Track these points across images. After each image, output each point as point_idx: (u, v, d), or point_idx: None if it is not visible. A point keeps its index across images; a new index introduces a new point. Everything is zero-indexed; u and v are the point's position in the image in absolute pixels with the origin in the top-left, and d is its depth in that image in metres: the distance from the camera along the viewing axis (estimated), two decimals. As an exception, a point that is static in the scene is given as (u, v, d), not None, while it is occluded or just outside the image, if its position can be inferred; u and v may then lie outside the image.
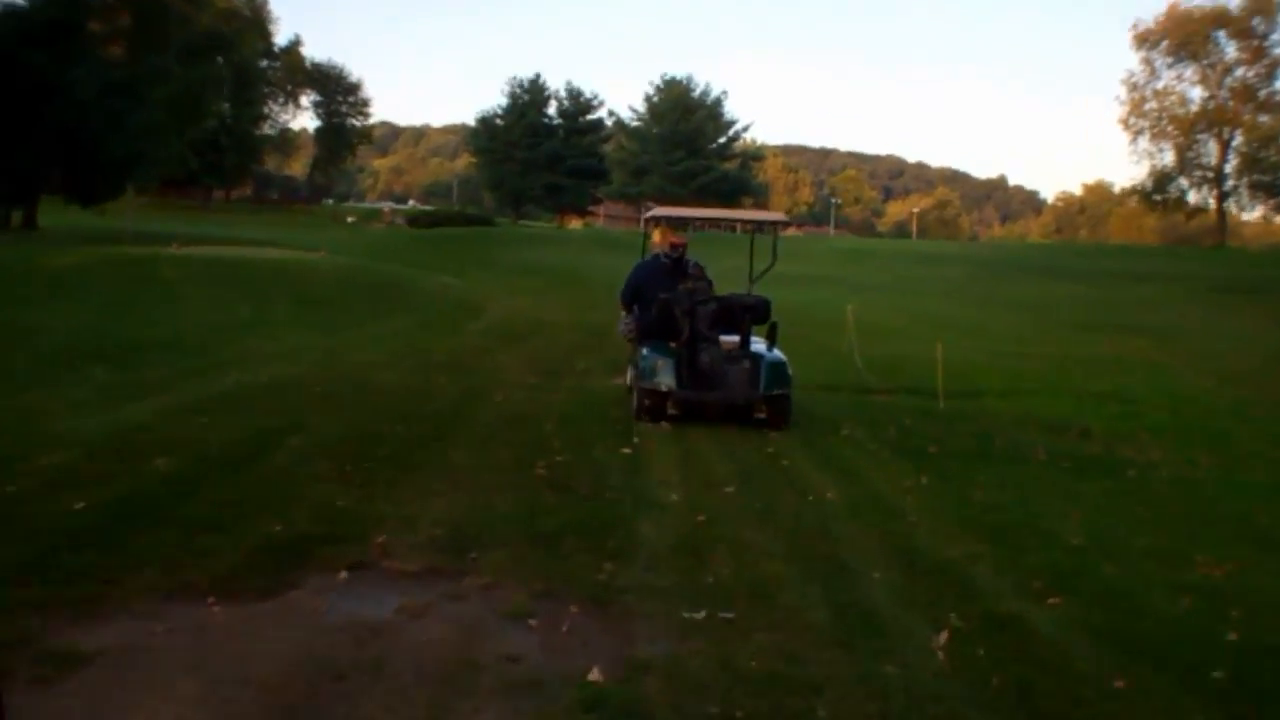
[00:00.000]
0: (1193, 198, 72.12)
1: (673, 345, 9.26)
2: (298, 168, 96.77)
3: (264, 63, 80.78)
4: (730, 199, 79.01)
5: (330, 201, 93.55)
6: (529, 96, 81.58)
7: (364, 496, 5.74)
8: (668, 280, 9.74)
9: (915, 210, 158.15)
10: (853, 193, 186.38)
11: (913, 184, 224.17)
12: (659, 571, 4.75)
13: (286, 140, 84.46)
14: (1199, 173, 70.12)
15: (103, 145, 32.81)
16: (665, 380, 9.04)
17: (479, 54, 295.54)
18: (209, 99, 40.27)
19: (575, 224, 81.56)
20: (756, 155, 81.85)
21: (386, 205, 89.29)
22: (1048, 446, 9.07)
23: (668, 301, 9.40)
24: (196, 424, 7.43)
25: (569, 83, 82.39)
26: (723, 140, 77.63)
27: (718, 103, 78.04)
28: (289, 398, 9.07)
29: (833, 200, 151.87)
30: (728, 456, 7.93)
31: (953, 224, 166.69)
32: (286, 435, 7.29)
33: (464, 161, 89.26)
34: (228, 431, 7.23)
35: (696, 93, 77.76)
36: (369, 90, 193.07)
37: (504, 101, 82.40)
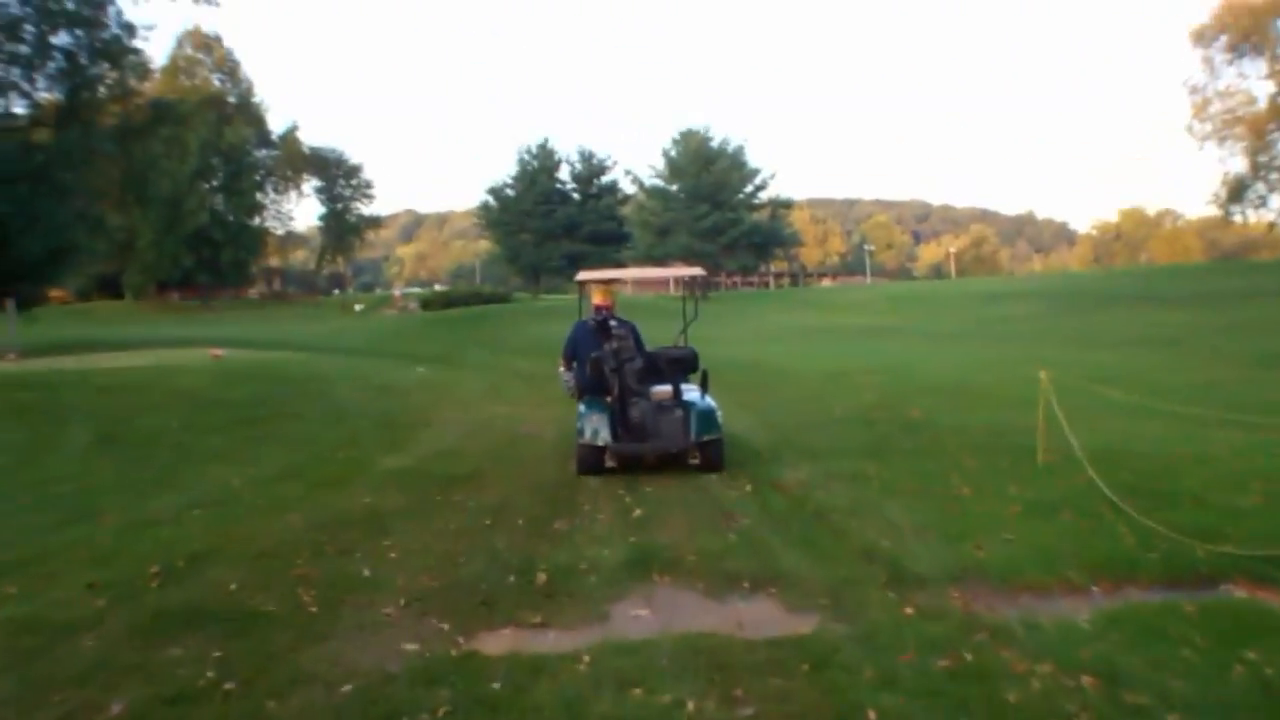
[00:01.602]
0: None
1: (608, 400, 9.50)
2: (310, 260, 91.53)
3: (261, 152, 76.10)
4: (764, 252, 72.41)
5: (337, 292, 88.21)
6: (538, 163, 75.78)
7: None
8: (595, 340, 9.97)
9: (951, 250, 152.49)
10: (884, 239, 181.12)
11: (940, 225, 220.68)
12: None
13: (288, 233, 79.26)
14: (1276, 175, 62.48)
15: (13, 241, 26.79)
16: (601, 435, 9.23)
17: (493, 135, 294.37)
18: (152, 182, 34.18)
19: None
20: (785, 204, 74.85)
21: (398, 291, 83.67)
22: None
23: (597, 360, 9.67)
24: None
25: (580, 146, 76.65)
26: (749, 190, 70.96)
27: (739, 152, 71.69)
28: None
29: (866, 247, 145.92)
30: None
31: (990, 261, 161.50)
32: None
33: (486, 241, 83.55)
34: None
35: (715, 143, 71.52)
36: (371, 174, 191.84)
37: (514, 171, 76.73)
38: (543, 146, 76.47)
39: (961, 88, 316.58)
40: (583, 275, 11.43)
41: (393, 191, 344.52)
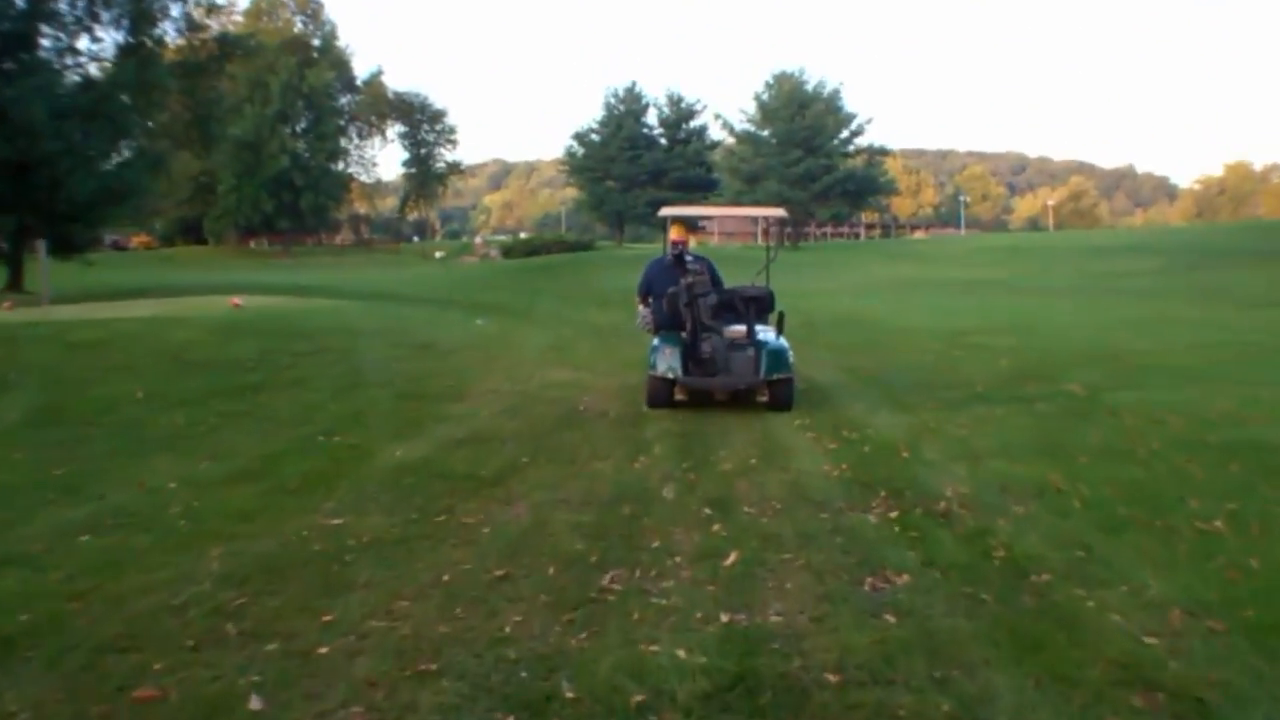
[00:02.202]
0: None
1: (682, 335, 9.52)
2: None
3: (345, 97, 74.44)
4: (859, 200, 68.30)
5: (416, 239, 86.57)
6: (625, 107, 72.56)
7: None
8: (671, 276, 9.94)
9: (1050, 203, 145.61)
10: (979, 190, 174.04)
11: (1036, 178, 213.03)
12: None
13: (377, 181, 77.72)
14: None
15: (63, 181, 24.99)
16: (670, 367, 9.33)
17: (584, 82, 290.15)
18: (217, 121, 32.15)
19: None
20: (882, 152, 70.23)
21: (479, 237, 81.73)
22: None
23: (674, 295, 9.67)
24: None
25: (669, 89, 73.23)
26: (843, 136, 66.68)
27: (835, 96, 67.35)
28: None
29: (961, 198, 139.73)
30: None
31: (1090, 214, 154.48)
32: None
33: (572, 189, 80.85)
34: None
35: (810, 87, 67.32)
36: (459, 122, 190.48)
37: (600, 115, 73.70)
38: (630, 90, 73.33)
39: (1059, 36, 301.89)
40: (666, 210, 11.20)
41: (481, 140, 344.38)
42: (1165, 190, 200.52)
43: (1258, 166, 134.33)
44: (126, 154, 29.66)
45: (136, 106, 29.31)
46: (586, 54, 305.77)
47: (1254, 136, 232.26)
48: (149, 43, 29.62)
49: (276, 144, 61.65)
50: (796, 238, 69.20)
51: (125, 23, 29.53)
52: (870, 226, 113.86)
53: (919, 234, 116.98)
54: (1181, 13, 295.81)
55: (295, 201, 64.06)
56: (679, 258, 10.12)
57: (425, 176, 79.39)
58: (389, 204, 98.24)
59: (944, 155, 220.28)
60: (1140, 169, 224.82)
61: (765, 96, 67.44)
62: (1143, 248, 46.44)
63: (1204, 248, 43.83)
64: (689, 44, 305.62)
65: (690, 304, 9.55)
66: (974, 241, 69.05)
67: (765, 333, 9.88)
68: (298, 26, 68.42)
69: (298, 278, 35.57)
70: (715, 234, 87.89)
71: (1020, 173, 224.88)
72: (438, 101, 79.29)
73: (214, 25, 33.39)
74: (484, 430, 8.20)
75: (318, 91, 64.37)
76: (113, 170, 28.28)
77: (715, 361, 9.47)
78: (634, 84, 73.67)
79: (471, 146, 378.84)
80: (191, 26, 31.31)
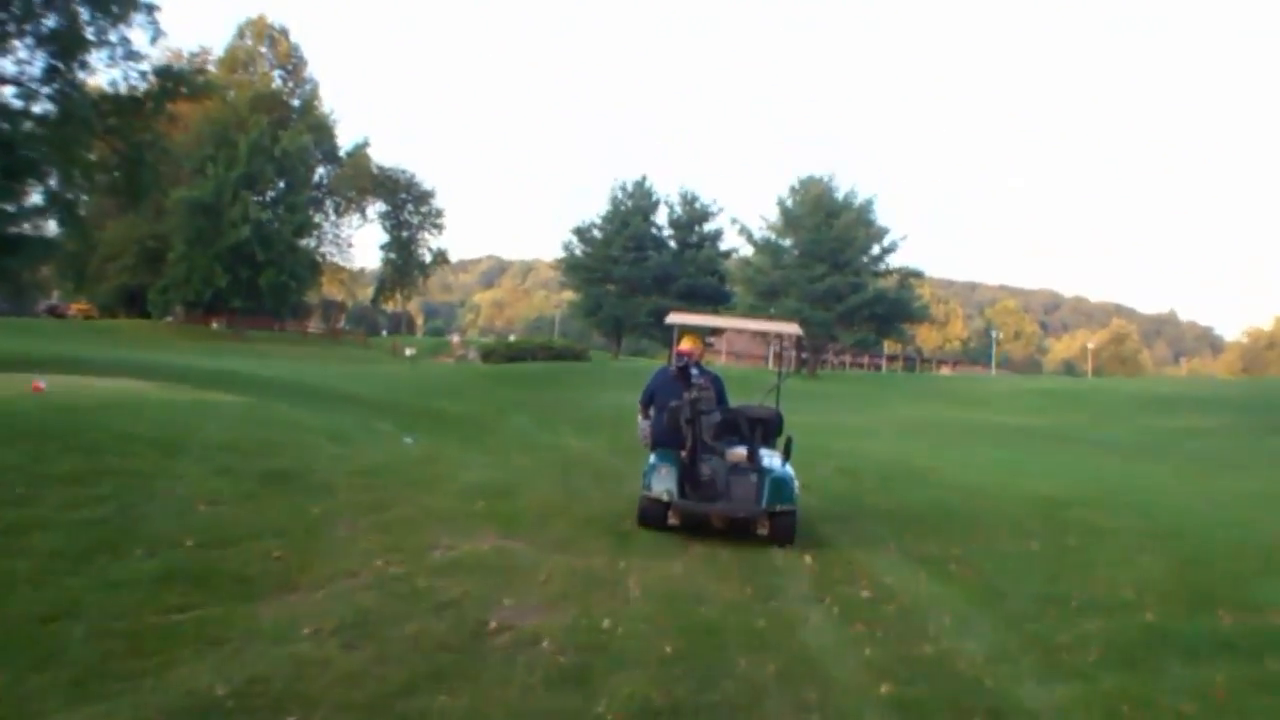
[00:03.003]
0: None
1: (681, 454, 9.42)
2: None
3: (323, 168, 72.31)
4: (888, 325, 65.14)
5: (384, 334, 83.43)
6: (633, 203, 70.22)
7: None
8: (675, 389, 9.90)
9: (1090, 345, 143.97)
10: (1012, 327, 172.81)
11: (1070, 319, 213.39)
12: None
13: (361, 269, 75.11)
14: None
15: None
16: (666, 489, 9.24)
17: (591, 178, 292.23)
18: (149, 172, 29.03)
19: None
20: (916, 274, 67.29)
21: (456, 337, 78.54)
22: None
23: (676, 410, 9.57)
24: None
25: (683, 187, 71.12)
26: (875, 251, 63.97)
27: (867, 207, 64.89)
28: None
29: (994, 334, 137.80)
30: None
31: (1132, 361, 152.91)
32: None
33: (569, 293, 77.95)
34: None
35: (840, 195, 65.01)
36: (456, 214, 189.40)
37: (604, 210, 71.31)
38: (639, 185, 71.12)
39: (1102, 168, 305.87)
40: (673, 317, 11.25)
41: (477, 235, 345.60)
42: (1209, 341, 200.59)
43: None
44: (36, 199, 26.85)
45: (52, 142, 26.45)
46: (597, 148, 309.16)
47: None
48: (75, 69, 26.92)
49: (238, 211, 58.85)
50: (815, 364, 65.94)
51: (49, 46, 26.91)
52: (892, 358, 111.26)
53: (945, 370, 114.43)
54: (1228, 155, 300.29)
55: (254, 278, 60.89)
56: (684, 370, 10.02)
57: (406, 263, 76.73)
58: (369, 293, 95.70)
59: (973, 287, 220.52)
60: (1183, 317, 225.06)
61: (789, 202, 65.08)
62: (1204, 401, 43.28)
63: (1273, 405, 40.66)
64: (707, 143, 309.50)
65: (692, 420, 9.40)
66: (1008, 383, 65.80)
67: (770, 458, 9.79)
68: (275, 82, 66.41)
69: (225, 364, 32.26)
70: (723, 353, 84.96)
71: (1053, 311, 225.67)
72: (426, 181, 76.12)
73: (156, 55, 30.85)
74: (268, 697, 4.46)
75: (291, 156, 61.91)
76: (11, 212, 25.38)
77: (715, 485, 9.38)
78: (644, 178, 71.59)
79: (467, 240, 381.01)
80: (129, 55, 28.60)
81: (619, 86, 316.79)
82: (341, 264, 77.55)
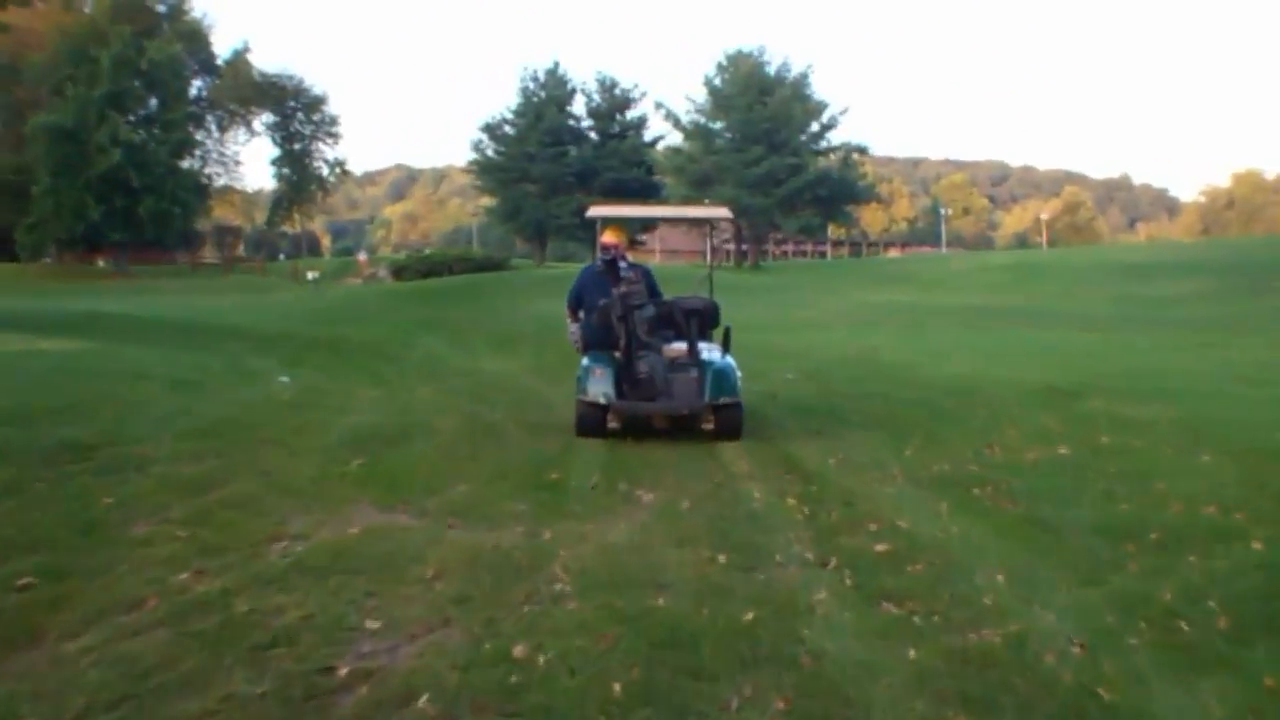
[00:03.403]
0: None
1: (615, 354, 9.37)
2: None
3: (200, 81, 68.11)
4: (833, 208, 63.46)
5: (282, 258, 79.82)
6: (546, 93, 67.18)
7: None
8: (604, 286, 9.75)
9: (1043, 217, 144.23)
10: (960, 203, 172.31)
11: (1020, 190, 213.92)
12: None
13: (259, 190, 71.35)
14: None
15: None
16: (603, 391, 9.13)
17: (501, 75, 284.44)
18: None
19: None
20: (861, 150, 65.22)
21: (363, 255, 75.40)
22: None
23: (606, 308, 9.45)
24: None
25: (600, 72, 68.23)
26: (814, 129, 61.89)
27: (803, 81, 62.65)
28: None
29: (943, 211, 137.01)
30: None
31: (1088, 229, 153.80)
32: None
33: (486, 199, 74.79)
34: None
35: (772, 69, 62.59)
36: (357, 122, 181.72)
37: (516, 103, 68.10)
38: (552, 72, 68.05)
39: (1044, 29, 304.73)
40: (594, 211, 11.04)
41: (383, 144, 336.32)
42: (1164, 204, 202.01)
43: (1269, 175, 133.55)
44: None
45: None
46: (507, 40, 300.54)
47: (1263, 142, 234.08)
48: None
49: (106, 134, 54.83)
50: (756, 255, 64.22)
51: None
52: (838, 244, 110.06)
53: (894, 252, 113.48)
54: (1178, 9, 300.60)
55: (132, 207, 57.06)
56: (611, 264, 9.89)
57: (302, 178, 73.04)
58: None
59: (916, 163, 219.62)
60: (1136, 180, 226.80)
61: (718, 81, 62.72)
62: (1176, 266, 42.61)
63: (1257, 265, 39.87)
64: (623, 20, 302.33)
65: (624, 317, 9.31)
66: (964, 260, 64.88)
67: (710, 351, 9.73)
68: (137, -14, 61.89)
69: (101, 305, 29.61)
70: (656, 251, 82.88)
71: (1001, 183, 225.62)
72: (316, 86, 71.79)
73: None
74: None
75: (161, 68, 57.72)
76: None
77: (654, 383, 9.27)
78: (557, 65, 68.49)
79: (370, 151, 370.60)
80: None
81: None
82: (233, 185, 73.72)
